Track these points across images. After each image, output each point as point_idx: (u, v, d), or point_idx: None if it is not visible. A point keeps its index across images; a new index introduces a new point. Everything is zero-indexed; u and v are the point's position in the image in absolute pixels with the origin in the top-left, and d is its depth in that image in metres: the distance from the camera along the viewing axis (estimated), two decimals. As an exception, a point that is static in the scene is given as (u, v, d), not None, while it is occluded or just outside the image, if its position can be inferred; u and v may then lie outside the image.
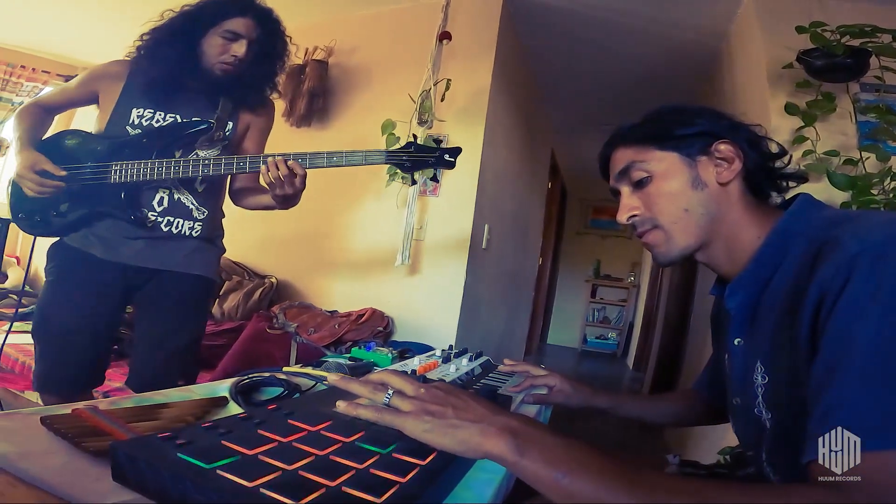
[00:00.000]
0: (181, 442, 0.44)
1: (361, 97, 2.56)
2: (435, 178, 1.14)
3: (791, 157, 0.72)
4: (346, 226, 2.51)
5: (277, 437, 0.48)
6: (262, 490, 0.38)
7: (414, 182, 1.13)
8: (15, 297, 3.15)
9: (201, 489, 0.38)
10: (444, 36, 2.10)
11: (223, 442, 0.46)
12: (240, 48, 1.18)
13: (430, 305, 2.26)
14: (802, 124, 1.66)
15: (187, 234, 1.25)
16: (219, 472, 0.40)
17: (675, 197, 0.67)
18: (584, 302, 6.81)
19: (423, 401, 0.51)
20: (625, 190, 0.72)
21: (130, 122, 1.19)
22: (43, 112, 1.28)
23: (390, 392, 0.53)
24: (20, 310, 2.91)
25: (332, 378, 0.61)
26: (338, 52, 2.61)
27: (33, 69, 3.66)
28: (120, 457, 0.43)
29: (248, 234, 2.70)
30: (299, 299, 2.51)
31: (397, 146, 2.02)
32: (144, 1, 2.69)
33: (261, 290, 2.49)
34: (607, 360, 6.39)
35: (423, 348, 2.13)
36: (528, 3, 2.39)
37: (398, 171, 2.08)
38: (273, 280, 2.58)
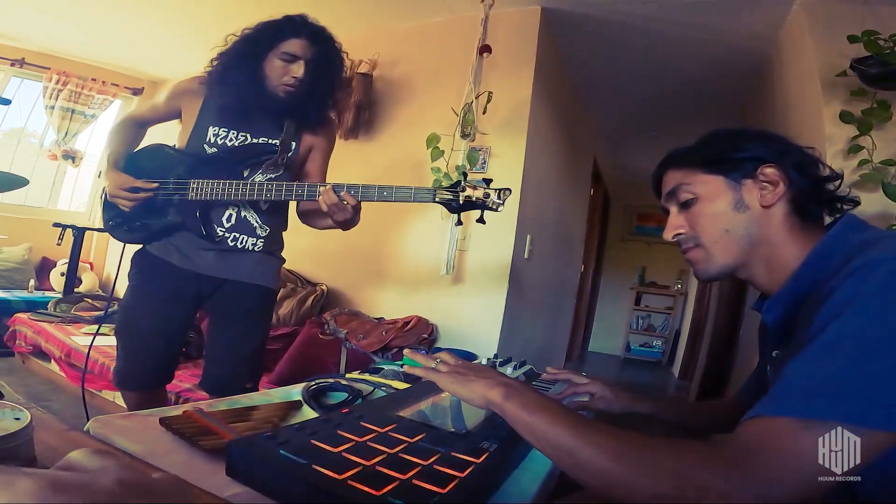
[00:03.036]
0: (281, 441, 0.53)
1: (405, 109, 2.66)
2: (482, 220, 1.09)
3: (842, 180, 0.72)
4: (392, 237, 2.62)
5: (354, 438, 0.57)
6: (349, 482, 0.46)
7: (460, 222, 1.11)
8: (90, 300, 3.44)
9: (303, 481, 0.46)
10: (484, 49, 2.17)
11: (312, 441, 0.54)
12: (298, 69, 1.24)
13: (473, 314, 2.33)
14: (858, 133, 1.62)
15: (250, 248, 1.33)
16: (314, 466, 0.48)
17: (717, 218, 0.70)
18: (628, 309, 6.67)
19: (457, 367, 0.68)
20: (673, 209, 0.77)
21: (207, 140, 1.28)
22: (135, 126, 1.39)
23: (438, 360, 0.71)
24: (94, 313, 3.20)
25: (406, 351, 0.77)
26: (381, 65, 2.71)
27: (103, 82, 3.95)
28: (234, 453, 0.52)
29: (300, 244, 2.85)
30: (349, 306, 2.64)
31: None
32: (207, 16, 2.90)
33: (313, 297, 2.63)
34: (652, 369, 6.23)
35: (467, 355, 2.20)
36: (567, 13, 2.41)
37: (442, 184, 2.17)
38: (324, 288, 2.71)
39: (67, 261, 3.43)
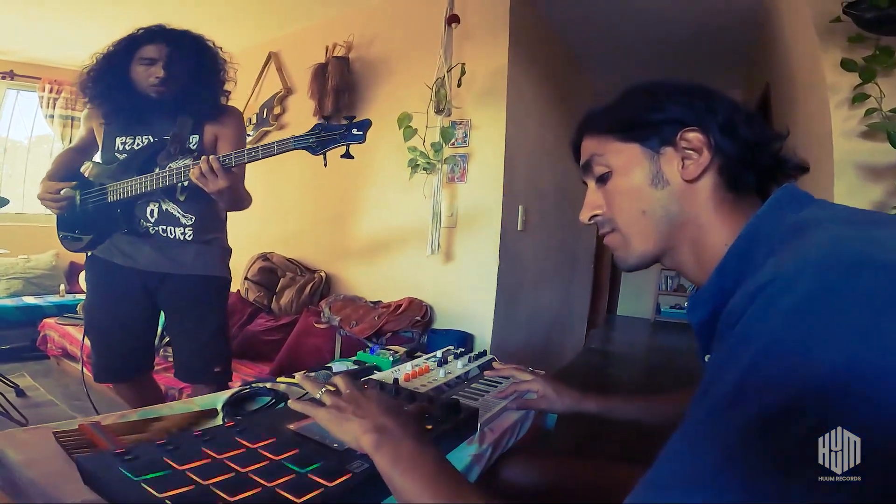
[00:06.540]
0: (128, 458, 0.53)
1: (384, 88, 2.60)
2: (348, 155, 1.13)
3: (784, 143, 0.57)
4: (381, 220, 2.61)
5: (213, 454, 0.55)
6: (166, 501, 0.45)
7: (325, 164, 1.15)
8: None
9: (122, 497, 0.46)
10: (452, 19, 2.07)
11: (165, 458, 0.54)
12: (158, 70, 1.34)
13: (465, 292, 2.30)
14: (861, 81, 1.47)
15: (181, 238, 1.41)
16: (143, 484, 0.48)
17: (633, 196, 0.59)
18: (656, 270, 6.47)
19: (339, 399, 0.61)
20: (590, 185, 0.64)
21: (117, 149, 1.40)
22: (73, 153, 1.53)
23: (323, 390, 0.64)
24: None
25: (298, 377, 0.74)
26: (357, 46, 2.65)
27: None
28: (81, 469, 0.53)
29: (303, 235, 2.92)
30: (347, 291, 2.66)
31: (415, 133, 2.06)
32: (183, 15, 2.87)
33: (311, 284, 2.66)
34: (684, 331, 6.06)
35: (460, 336, 2.19)
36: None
37: (419, 163, 2.13)
38: (322, 274, 2.74)
39: (92, 264, 3.60)
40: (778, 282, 0.37)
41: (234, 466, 0.53)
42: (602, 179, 0.62)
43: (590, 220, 0.64)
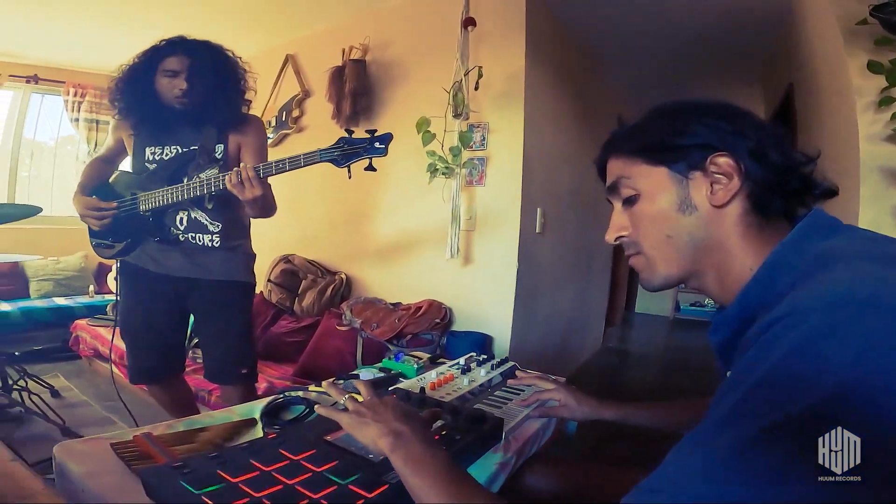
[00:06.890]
0: (186, 471, 0.57)
1: (401, 91, 2.62)
2: (371, 168, 1.18)
3: (814, 167, 0.57)
4: (400, 223, 2.64)
5: (261, 467, 0.59)
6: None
7: (350, 176, 1.22)
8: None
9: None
10: (468, 22, 2.07)
11: (218, 471, 0.58)
12: (181, 82, 1.38)
13: (484, 294, 2.32)
14: (888, 84, 1.46)
15: (209, 245, 1.46)
16: (203, 497, 0.52)
17: (659, 221, 0.59)
18: (674, 267, 6.41)
19: (360, 405, 0.65)
20: (617, 206, 0.65)
21: (146, 159, 1.45)
22: (101, 163, 1.58)
23: (346, 397, 0.69)
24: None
25: (325, 385, 0.78)
26: (373, 49, 2.66)
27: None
28: (145, 482, 0.57)
29: (323, 237, 2.97)
30: (367, 293, 2.70)
31: (434, 139, 2.08)
32: (203, 22, 2.92)
33: (332, 286, 2.71)
34: (703, 330, 5.97)
35: (479, 338, 2.22)
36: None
37: (438, 167, 2.15)
38: (342, 276, 2.79)
39: (119, 265, 3.71)
40: (790, 317, 0.40)
41: (282, 479, 0.57)
42: (629, 202, 0.62)
43: (615, 240, 0.66)
